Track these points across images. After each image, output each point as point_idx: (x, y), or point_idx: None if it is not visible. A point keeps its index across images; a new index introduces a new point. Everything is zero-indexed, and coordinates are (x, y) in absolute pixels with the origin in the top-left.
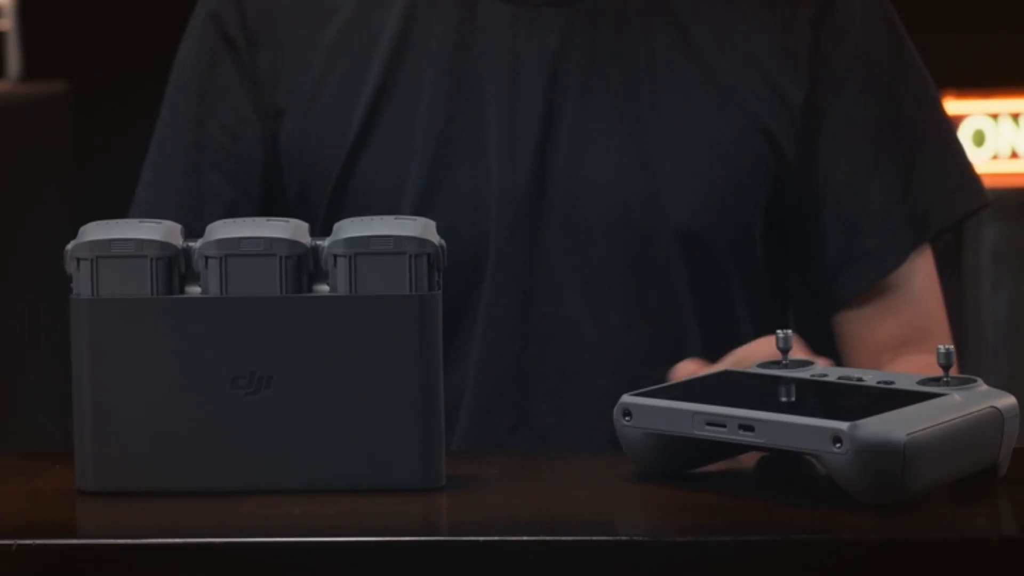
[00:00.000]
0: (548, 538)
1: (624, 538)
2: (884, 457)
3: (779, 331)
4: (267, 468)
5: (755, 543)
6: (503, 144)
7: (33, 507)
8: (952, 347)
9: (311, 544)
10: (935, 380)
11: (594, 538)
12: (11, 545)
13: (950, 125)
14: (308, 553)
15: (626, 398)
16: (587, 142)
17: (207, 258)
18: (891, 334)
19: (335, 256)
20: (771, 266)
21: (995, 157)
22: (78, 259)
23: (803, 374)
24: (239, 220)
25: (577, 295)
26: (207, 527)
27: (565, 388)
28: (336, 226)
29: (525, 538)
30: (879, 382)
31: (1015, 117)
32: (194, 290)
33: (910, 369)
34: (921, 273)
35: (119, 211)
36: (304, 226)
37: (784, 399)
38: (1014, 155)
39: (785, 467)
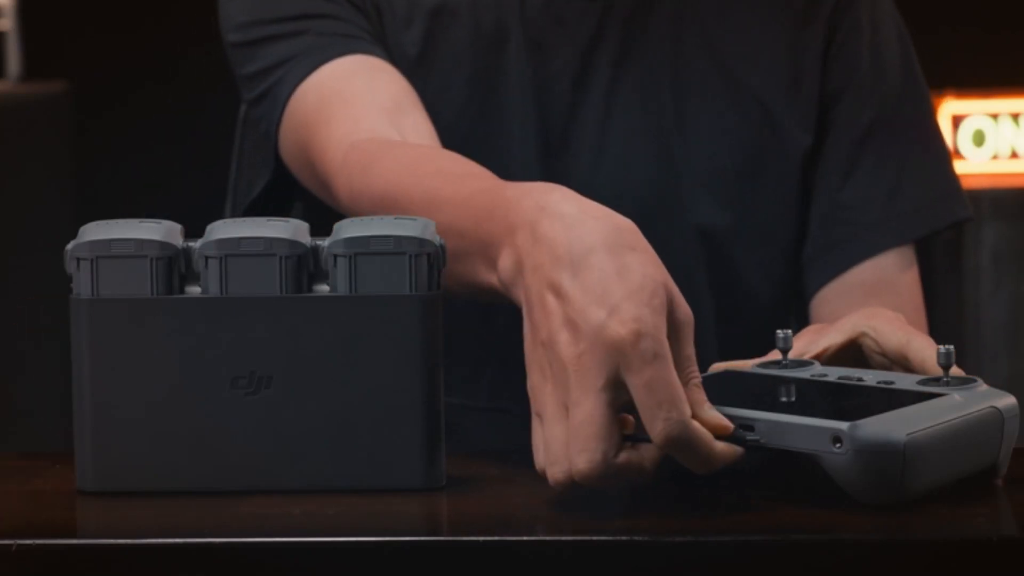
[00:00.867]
0: (548, 538)
1: (624, 538)
2: (884, 457)
3: (779, 331)
4: (267, 468)
5: (755, 543)
6: (526, 136)
7: (33, 507)
8: (952, 347)
9: (311, 544)
10: (935, 380)
11: (594, 538)
12: (11, 545)
13: (940, 132)
14: (308, 553)
15: None
16: (610, 138)
17: (207, 258)
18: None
19: (335, 256)
20: (795, 263)
21: (995, 157)
22: (78, 259)
23: (803, 374)
24: (239, 220)
25: None
26: (207, 527)
27: None
28: (336, 226)
29: (525, 538)
30: (879, 382)
31: (1015, 117)
32: (194, 290)
33: None
34: (898, 269)
35: (119, 211)
36: (304, 226)
37: (784, 399)
38: (1014, 155)
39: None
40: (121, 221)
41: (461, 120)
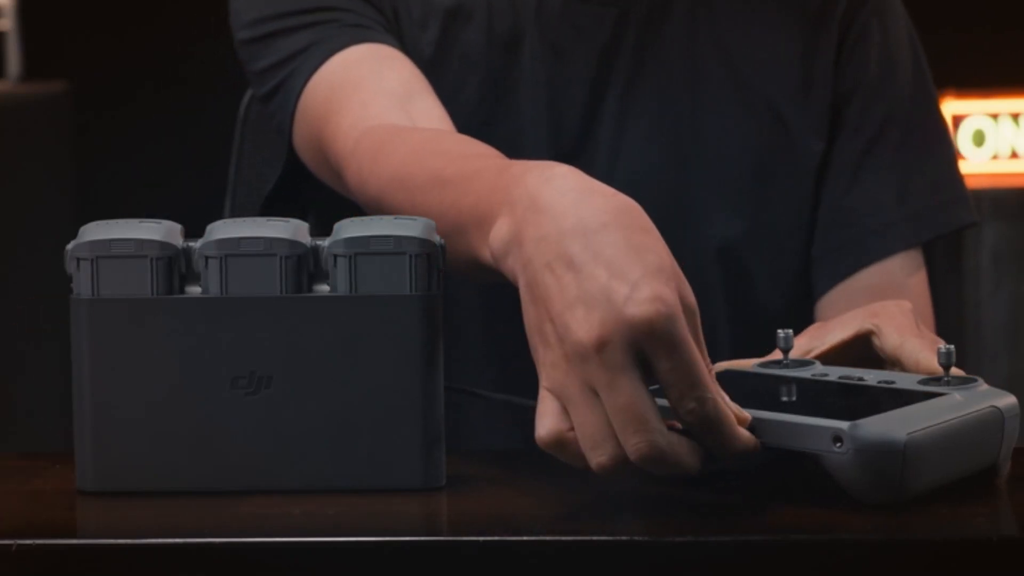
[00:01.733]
0: (548, 538)
1: (624, 538)
2: (884, 456)
3: (780, 331)
4: (267, 468)
5: (755, 543)
6: (539, 140)
7: (33, 507)
8: (952, 347)
9: (311, 544)
10: (935, 380)
11: (594, 538)
12: (11, 545)
13: (949, 136)
14: (308, 553)
15: None
16: (624, 143)
17: (207, 258)
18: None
19: (335, 256)
20: (807, 268)
21: (995, 157)
22: (78, 259)
23: (803, 374)
24: (239, 220)
25: None
26: (207, 527)
27: None
28: (336, 226)
29: (525, 538)
30: (879, 382)
31: (1015, 117)
32: (194, 290)
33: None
34: (905, 273)
35: (119, 211)
36: (304, 226)
37: (784, 399)
38: (1014, 155)
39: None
40: (121, 221)
41: (474, 122)
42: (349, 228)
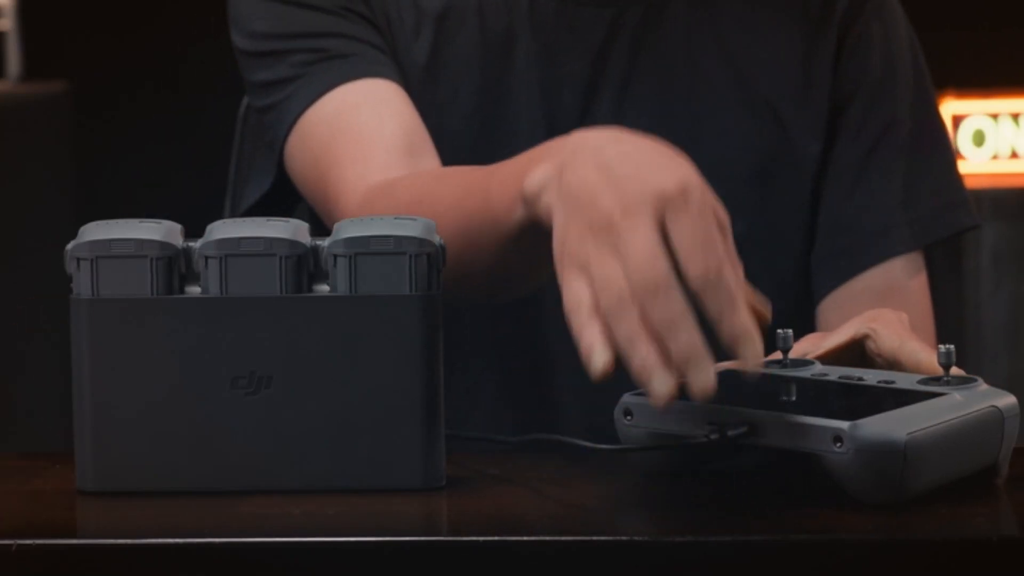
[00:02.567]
0: (548, 538)
1: (624, 538)
2: (884, 456)
3: (780, 331)
4: (267, 468)
5: (755, 543)
6: (535, 142)
7: (33, 507)
8: (952, 347)
9: (311, 544)
10: (935, 380)
11: (594, 538)
12: (11, 545)
13: (948, 139)
14: (308, 553)
15: (627, 398)
16: None
17: (207, 258)
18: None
19: (335, 256)
20: (805, 270)
21: (995, 157)
22: (78, 259)
23: (803, 373)
24: (239, 220)
25: None
26: (207, 527)
27: (588, 387)
28: (336, 226)
29: (525, 538)
30: (879, 381)
31: (1015, 117)
32: (194, 290)
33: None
34: (906, 275)
35: (119, 211)
36: (304, 226)
37: (784, 398)
38: (1014, 155)
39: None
40: (121, 221)
41: (470, 126)
42: (349, 228)
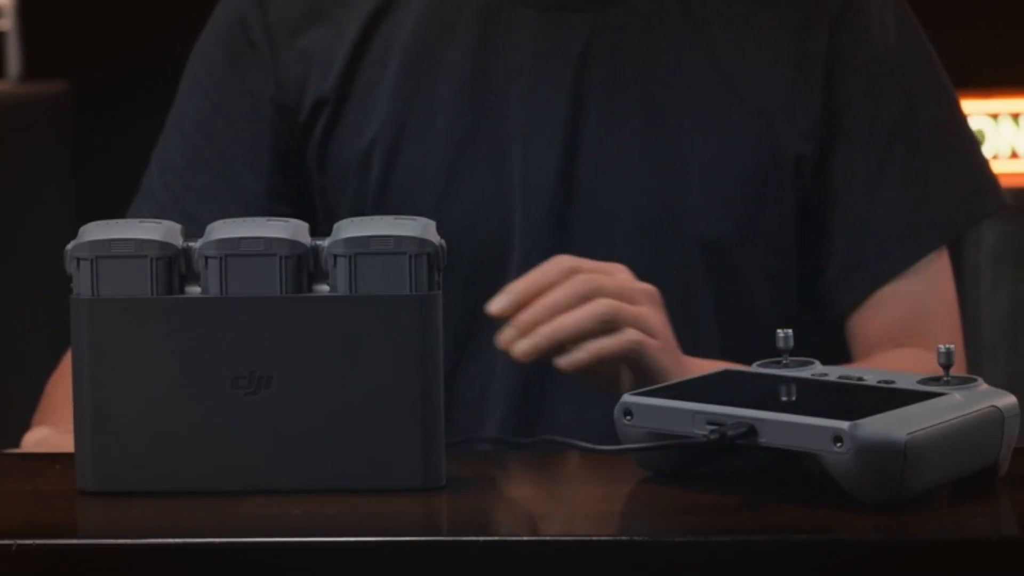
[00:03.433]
0: (548, 538)
1: (624, 538)
2: (884, 456)
3: (779, 331)
4: (267, 468)
5: (755, 543)
6: (526, 150)
7: (33, 507)
8: (952, 346)
9: (311, 544)
10: (935, 379)
11: (594, 538)
12: (11, 545)
13: (966, 125)
14: (308, 553)
15: (627, 397)
16: (610, 148)
17: (207, 258)
18: (881, 329)
19: (335, 256)
20: (797, 273)
21: (995, 157)
22: (78, 259)
23: (803, 374)
24: (239, 220)
25: None
26: (207, 527)
27: (583, 388)
28: (336, 226)
29: (525, 538)
30: (879, 381)
31: (1015, 117)
32: (194, 290)
33: (888, 363)
34: (924, 274)
35: (119, 211)
36: (304, 226)
37: (784, 398)
38: (1014, 155)
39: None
40: (121, 221)
41: (461, 137)
42: (349, 228)
